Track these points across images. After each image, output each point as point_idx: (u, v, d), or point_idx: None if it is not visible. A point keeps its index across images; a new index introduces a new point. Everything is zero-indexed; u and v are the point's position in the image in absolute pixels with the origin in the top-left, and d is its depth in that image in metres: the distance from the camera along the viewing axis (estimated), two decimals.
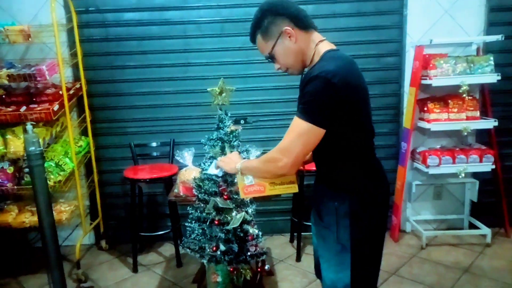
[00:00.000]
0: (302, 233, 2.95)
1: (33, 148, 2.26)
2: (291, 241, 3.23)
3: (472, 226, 3.26)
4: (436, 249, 3.03)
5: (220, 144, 1.81)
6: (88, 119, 3.05)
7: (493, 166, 2.94)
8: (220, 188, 1.77)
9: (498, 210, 3.22)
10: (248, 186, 1.49)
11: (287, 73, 1.49)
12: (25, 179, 2.70)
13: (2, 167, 2.66)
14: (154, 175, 2.75)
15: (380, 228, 1.45)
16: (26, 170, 2.71)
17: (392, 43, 3.10)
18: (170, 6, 3.03)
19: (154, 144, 3.14)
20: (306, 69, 1.45)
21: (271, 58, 1.45)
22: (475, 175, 3.15)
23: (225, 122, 1.84)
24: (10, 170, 2.68)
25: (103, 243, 3.21)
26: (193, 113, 3.16)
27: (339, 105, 1.29)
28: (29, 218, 2.70)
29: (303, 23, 1.39)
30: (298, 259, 2.94)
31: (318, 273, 1.62)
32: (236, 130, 1.84)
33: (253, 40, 1.47)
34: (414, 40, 3.03)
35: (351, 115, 1.33)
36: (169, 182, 2.82)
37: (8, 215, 2.70)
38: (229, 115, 1.87)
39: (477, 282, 2.57)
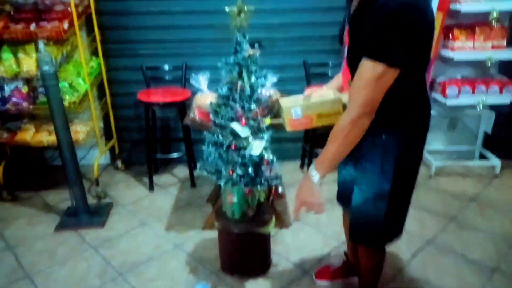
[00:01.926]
0: (313, 159, 3.01)
1: (47, 67, 2.24)
2: (301, 167, 3.31)
3: (483, 158, 3.28)
4: (445, 178, 3.09)
5: (237, 69, 1.76)
6: (98, 38, 2.95)
7: None
8: (237, 114, 1.76)
9: (510, 143, 3.22)
10: (295, 120, 1.46)
11: None
12: (40, 98, 2.71)
13: (17, 87, 2.65)
14: (167, 99, 2.73)
15: (418, 164, 1.44)
16: (41, 89, 2.71)
17: None
18: None
19: (166, 67, 3.08)
20: None
21: None
22: (492, 107, 3.09)
23: (243, 46, 1.77)
24: (25, 89, 2.67)
25: (119, 163, 3.32)
26: (205, 35, 3.04)
27: (419, 41, 1.16)
28: (46, 137, 2.75)
29: None
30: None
31: (343, 200, 1.69)
32: (254, 54, 1.77)
33: None
34: None
35: (423, 51, 1.21)
36: (182, 106, 2.81)
37: (26, 133, 2.76)
38: (247, 38, 1.79)
39: (482, 211, 2.65)
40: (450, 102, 2.84)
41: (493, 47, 2.79)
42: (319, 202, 1.34)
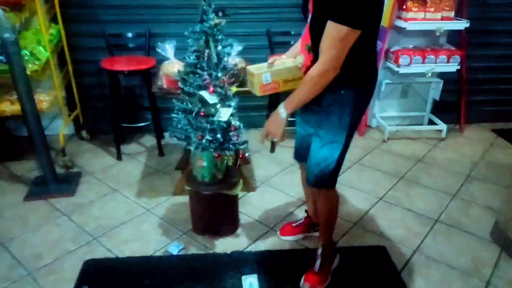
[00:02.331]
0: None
1: (7, 34, 2.20)
2: None
3: (431, 123, 3.57)
4: (397, 142, 3.35)
5: (204, 37, 1.82)
6: (57, 3, 2.86)
7: (459, 67, 3.12)
8: (205, 82, 1.84)
9: (457, 108, 3.52)
10: (265, 85, 1.59)
11: None
12: (0, 67, 2.62)
13: None
14: (132, 67, 2.74)
15: (362, 114, 1.67)
16: (0, 57, 2.62)
17: None
18: None
19: (129, 35, 3.05)
20: None
21: None
22: (441, 74, 3.34)
23: (208, 15, 1.83)
24: None
25: (83, 133, 3.31)
26: (169, 2, 3.03)
27: (374, 7, 1.39)
28: (9, 107, 2.70)
29: None
30: (273, 149, 3.18)
31: (299, 156, 1.89)
32: (220, 23, 1.84)
33: None
34: None
35: (377, 15, 1.44)
36: (147, 74, 2.83)
37: None
38: (212, 7, 1.84)
39: (428, 170, 2.94)
40: (402, 70, 3.05)
41: (442, 18, 2.99)
42: (281, 133, 1.62)
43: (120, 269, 2.00)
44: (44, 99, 2.77)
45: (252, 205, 2.51)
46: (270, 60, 1.65)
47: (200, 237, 2.22)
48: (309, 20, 1.53)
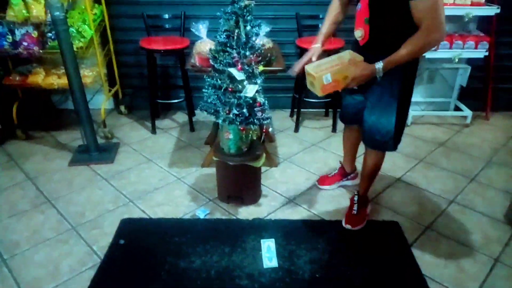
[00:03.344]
0: (302, 109, 3.29)
1: (57, 13, 2.42)
2: (291, 115, 3.59)
3: (457, 109, 3.58)
4: (419, 127, 3.41)
5: (234, 18, 1.97)
6: None
7: (486, 53, 3.12)
8: (234, 60, 2.00)
9: (484, 95, 3.51)
10: (326, 85, 1.74)
11: None
12: (49, 43, 2.89)
13: (27, 31, 2.83)
14: (168, 46, 2.94)
15: (412, 88, 1.91)
16: (49, 34, 2.88)
17: None
18: None
19: (166, 16, 3.24)
20: None
21: None
22: (468, 61, 3.34)
23: None
24: (35, 34, 2.85)
25: (122, 108, 3.57)
26: None
27: None
28: (56, 80, 2.97)
29: None
30: (297, 130, 3.32)
31: (347, 120, 2.25)
32: (250, 4, 1.98)
33: None
34: None
35: None
36: (181, 54, 3.02)
37: (37, 77, 2.97)
38: None
39: (449, 154, 3.00)
40: (429, 55, 3.09)
41: (472, 3, 2.99)
42: (365, 81, 1.79)
43: (153, 227, 2.22)
44: (87, 75, 3.02)
45: (274, 179, 2.68)
46: (314, 57, 1.90)
47: (224, 204, 2.42)
48: None
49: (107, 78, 3.47)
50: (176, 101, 3.36)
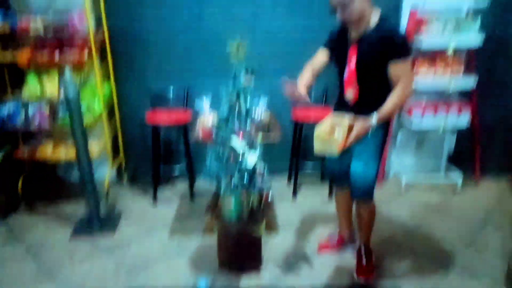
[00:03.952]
0: (299, 175, 3.41)
1: (71, 91, 2.61)
2: (289, 180, 3.69)
3: (447, 173, 3.71)
4: (413, 191, 3.51)
5: (236, 94, 2.17)
6: (110, 65, 3.35)
7: (469, 120, 3.33)
8: (235, 131, 2.15)
9: (472, 159, 3.67)
10: (340, 144, 1.99)
11: (344, 21, 2.03)
12: (60, 118, 3.06)
13: (40, 108, 3.01)
14: (173, 120, 3.13)
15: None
16: (60, 110, 3.07)
17: (389, 4, 3.34)
18: None
19: (171, 91, 3.48)
20: (364, 27, 2.01)
21: (342, 6, 1.95)
22: (454, 127, 3.54)
23: (240, 75, 2.18)
24: (47, 110, 3.03)
25: (124, 179, 3.67)
26: (205, 62, 3.46)
27: None
28: (64, 153, 3.10)
29: None
30: (295, 195, 3.41)
31: (337, 182, 2.49)
32: (249, 81, 2.19)
33: None
34: (409, 3, 3.27)
35: None
36: (184, 127, 3.20)
37: (46, 150, 3.11)
38: (244, 68, 2.20)
39: (444, 219, 3.06)
40: (416, 122, 3.29)
41: (451, 76, 3.26)
42: (363, 136, 2.06)
43: None
44: (94, 147, 3.16)
45: (275, 246, 2.70)
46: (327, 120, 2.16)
47: (226, 273, 2.42)
48: (353, 62, 2.07)
49: (111, 149, 3.61)
50: (177, 171, 3.47)
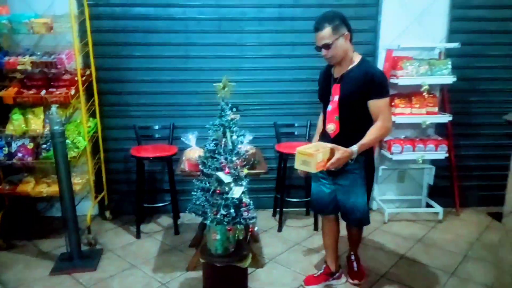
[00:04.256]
0: (284, 209, 3.43)
1: (57, 127, 2.64)
2: (274, 215, 3.71)
3: (428, 206, 3.80)
4: (396, 223, 3.57)
5: (222, 129, 2.23)
6: (96, 102, 3.40)
7: (447, 155, 3.46)
8: (221, 165, 2.19)
9: (451, 192, 3.78)
10: (318, 163, 2.06)
11: (328, 60, 2.25)
12: (43, 154, 3.05)
13: (23, 143, 3.00)
14: (157, 154, 3.15)
15: (373, 170, 2.43)
16: (44, 146, 3.06)
17: (368, 45, 3.55)
18: (174, 3, 3.39)
19: (156, 127, 3.52)
20: (346, 67, 2.23)
21: (326, 46, 2.15)
22: (432, 161, 3.67)
23: (226, 111, 2.25)
24: (30, 145, 3.02)
25: (107, 214, 3.61)
26: (191, 100, 3.56)
27: None
28: (45, 189, 3.07)
29: (351, 37, 2.21)
30: (280, 229, 3.42)
31: (324, 210, 2.52)
32: (235, 118, 2.25)
33: (321, 28, 2.14)
34: (386, 43, 3.49)
35: None
36: (169, 160, 3.22)
37: (27, 185, 3.06)
38: (229, 105, 2.28)
39: (427, 250, 3.11)
40: (395, 157, 3.41)
41: (427, 113, 3.43)
42: (344, 163, 2.15)
43: None
44: (77, 182, 3.13)
45: (260, 280, 2.68)
46: (311, 145, 2.25)
47: None
48: (335, 100, 2.25)
49: (94, 184, 3.58)
50: (161, 204, 3.45)
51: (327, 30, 2.13)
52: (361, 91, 2.16)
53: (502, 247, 2.28)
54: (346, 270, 2.71)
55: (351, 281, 2.64)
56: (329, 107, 2.30)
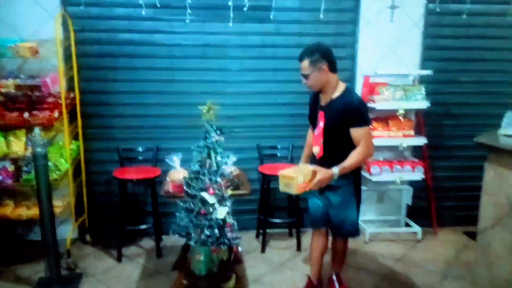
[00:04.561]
0: (267, 230, 3.46)
1: (39, 149, 2.63)
2: (257, 236, 3.73)
3: (407, 225, 3.90)
4: (377, 243, 3.63)
5: (206, 150, 2.28)
6: (80, 125, 3.40)
7: (423, 176, 3.59)
8: (206, 185, 2.23)
9: (428, 212, 3.89)
10: (300, 185, 2.18)
11: (308, 88, 2.44)
12: (24, 177, 3.01)
13: (4, 166, 2.97)
14: (141, 176, 3.16)
15: (360, 188, 2.57)
16: (25, 169, 3.04)
17: (346, 71, 3.70)
18: (159, 30, 3.49)
19: (140, 149, 3.54)
20: (331, 95, 2.39)
21: (305, 76, 2.36)
22: (410, 183, 3.79)
23: (210, 133, 2.32)
24: (11, 168, 2.99)
25: (87, 237, 3.55)
26: (175, 123, 3.61)
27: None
28: (25, 212, 3.02)
29: (333, 68, 2.37)
30: (263, 250, 3.43)
31: (317, 224, 2.60)
32: (220, 139, 2.32)
33: (301, 59, 2.35)
34: (363, 70, 3.65)
35: None
36: (153, 182, 3.23)
37: (6, 208, 3.01)
38: (214, 127, 2.34)
39: (407, 269, 3.18)
40: (374, 178, 3.51)
41: (404, 135, 3.57)
42: (326, 184, 2.30)
43: None
44: (58, 205, 3.09)
45: None
46: (294, 168, 2.38)
47: None
48: (321, 126, 2.41)
49: (75, 207, 3.53)
50: (144, 227, 3.43)
51: (305, 62, 2.32)
52: (343, 120, 2.32)
53: (477, 264, 2.36)
54: None
55: None
56: (316, 131, 2.48)
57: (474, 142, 2.56)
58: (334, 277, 2.75)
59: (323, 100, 2.44)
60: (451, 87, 3.85)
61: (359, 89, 3.65)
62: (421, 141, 3.57)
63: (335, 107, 2.35)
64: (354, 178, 2.45)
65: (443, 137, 3.94)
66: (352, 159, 2.31)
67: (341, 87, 2.39)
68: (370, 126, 2.39)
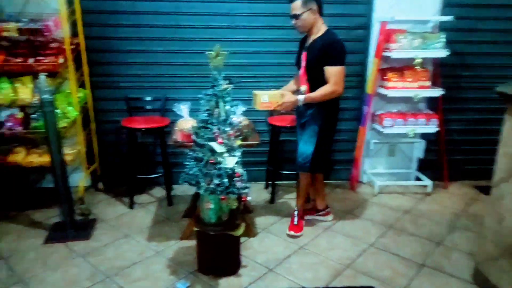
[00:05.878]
0: (276, 181, 3.47)
1: (46, 96, 2.59)
2: (266, 187, 3.75)
3: (418, 179, 3.87)
4: (386, 196, 3.64)
5: (215, 99, 2.21)
6: (86, 72, 3.34)
7: (437, 129, 3.51)
8: (214, 135, 2.19)
9: (440, 166, 3.85)
10: (263, 103, 2.55)
11: (297, 29, 2.63)
12: (33, 124, 3.01)
13: (12, 113, 2.95)
14: (149, 125, 3.13)
15: (332, 131, 2.78)
16: (33, 116, 3.02)
17: (361, 17, 3.51)
18: None
19: (147, 98, 3.49)
20: (314, 36, 2.60)
21: (295, 16, 2.54)
22: (422, 135, 3.72)
23: (219, 81, 2.24)
24: (20, 115, 2.98)
25: (100, 185, 3.62)
26: (182, 71, 3.52)
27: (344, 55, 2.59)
28: (37, 159, 3.04)
29: (321, 10, 2.58)
30: (272, 201, 3.46)
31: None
32: (228, 87, 2.24)
33: (293, 0, 2.51)
34: (379, 16, 3.45)
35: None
36: (162, 132, 3.21)
37: (17, 155, 3.03)
38: (222, 75, 2.26)
39: (414, 220, 3.19)
40: (387, 131, 3.44)
41: (419, 87, 3.44)
42: (291, 107, 2.63)
43: None
44: (69, 153, 3.10)
45: (253, 249, 2.73)
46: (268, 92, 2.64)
47: (204, 276, 2.43)
48: (303, 66, 2.65)
49: (87, 155, 3.56)
50: (154, 176, 3.46)
51: (297, 3, 2.50)
52: (319, 58, 2.52)
53: (487, 216, 2.34)
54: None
55: (287, 232, 2.91)
56: (300, 71, 2.71)
57: (491, 94, 2.45)
58: (296, 213, 2.98)
59: (308, 42, 2.64)
60: (471, 35, 3.65)
61: (375, 37, 3.48)
62: (438, 92, 3.44)
63: (315, 47, 2.55)
64: (323, 120, 2.64)
65: (459, 89, 3.79)
66: (318, 91, 2.54)
67: (324, 28, 2.59)
68: (343, 66, 2.53)
